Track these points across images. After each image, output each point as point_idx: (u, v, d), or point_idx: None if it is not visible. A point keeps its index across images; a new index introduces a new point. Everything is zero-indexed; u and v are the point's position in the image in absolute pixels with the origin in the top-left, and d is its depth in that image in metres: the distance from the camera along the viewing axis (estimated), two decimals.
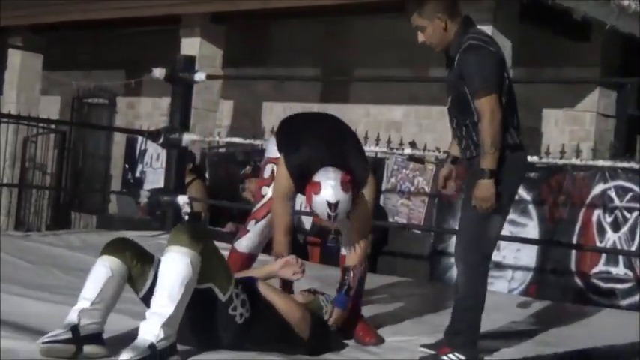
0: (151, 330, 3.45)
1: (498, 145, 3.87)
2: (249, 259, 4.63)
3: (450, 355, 3.95)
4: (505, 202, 4.02)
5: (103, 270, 3.65)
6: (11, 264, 5.56)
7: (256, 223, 4.59)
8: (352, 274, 4.32)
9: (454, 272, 7.52)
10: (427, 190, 8.17)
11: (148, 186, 10.33)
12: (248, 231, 4.62)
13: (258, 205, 4.62)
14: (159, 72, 7.15)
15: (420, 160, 8.23)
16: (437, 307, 5.25)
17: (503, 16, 8.29)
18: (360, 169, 4.28)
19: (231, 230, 8.41)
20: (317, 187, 4.08)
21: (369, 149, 8.16)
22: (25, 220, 12.84)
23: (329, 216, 4.10)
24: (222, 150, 10.44)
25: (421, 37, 4.09)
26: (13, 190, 12.51)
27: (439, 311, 5.03)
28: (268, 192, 4.53)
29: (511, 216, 7.36)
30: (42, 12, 12.55)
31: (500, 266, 7.46)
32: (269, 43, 11.56)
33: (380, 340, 4.38)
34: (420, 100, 10.08)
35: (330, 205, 4.08)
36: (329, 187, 4.08)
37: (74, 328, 3.50)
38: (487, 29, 8.15)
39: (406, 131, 10.05)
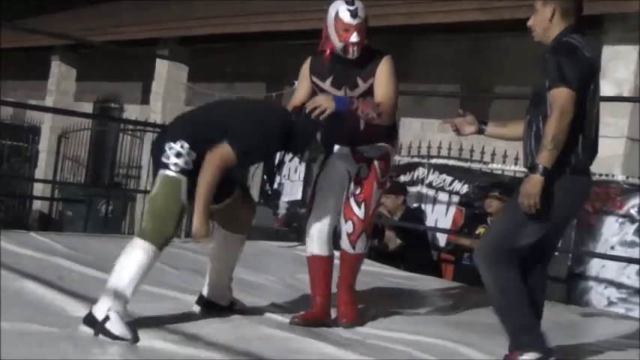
0: None
1: (560, 144, 3.69)
2: (311, 259, 4.78)
3: (521, 358, 3.84)
4: (551, 220, 3.81)
5: None
6: (157, 269, 5.74)
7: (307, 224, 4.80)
8: (366, 100, 4.39)
9: (592, 296, 7.41)
10: None
11: (286, 198, 10.48)
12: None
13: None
14: None
15: None
16: (573, 331, 5.16)
17: None
18: None
19: None
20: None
21: (509, 168, 8.11)
22: None
23: (349, 10, 4.38)
24: None
25: (530, 21, 4.00)
26: None
27: (574, 335, 4.94)
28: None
29: None
30: (190, 24, 12.96)
31: None
32: (410, 59, 11.58)
33: (354, 322, 4.54)
34: None
35: (347, 1, 4.44)
36: None
37: None
38: (633, 49, 8.02)
39: None
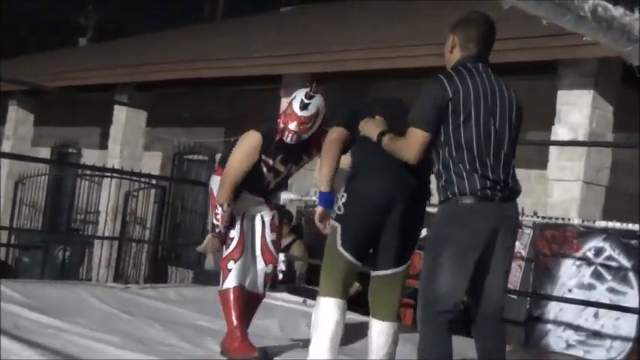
0: None
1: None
2: (239, 291, 4.86)
3: None
4: (452, 254, 3.72)
5: None
6: (112, 315, 5.69)
7: (236, 262, 4.87)
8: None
9: (550, 339, 7.43)
10: (524, 254, 8.06)
11: None
12: (230, 270, 4.85)
13: (231, 247, 4.87)
14: None
15: None
16: None
17: (604, 81, 8.21)
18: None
19: None
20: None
21: None
22: (123, 273, 13.08)
23: (302, 101, 4.57)
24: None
25: None
26: (113, 243, 12.78)
27: None
28: (235, 234, 4.88)
29: (610, 283, 7.23)
30: (148, 70, 12.96)
31: (598, 335, 7.29)
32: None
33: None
34: (517, 163, 10.00)
35: (306, 94, 4.62)
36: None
37: None
38: (587, 93, 8.14)
39: None
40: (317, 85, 4.71)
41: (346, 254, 4.14)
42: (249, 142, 4.81)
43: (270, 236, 5.01)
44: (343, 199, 4.17)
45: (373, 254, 4.29)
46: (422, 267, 3.86)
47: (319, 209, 4.22)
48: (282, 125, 4.68)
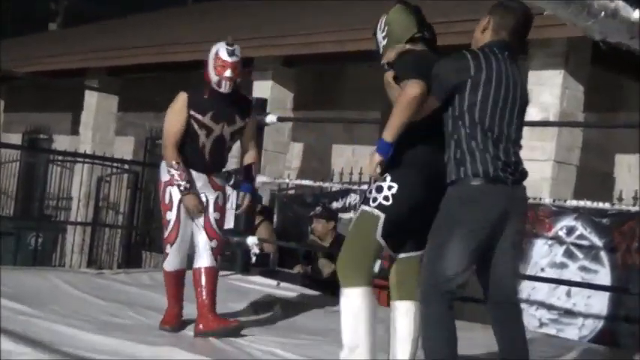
0: None
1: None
2: (179, 275, 5.21)
3: None
4: (463, 236, 3.71)
5: None
6: (84, 301, 5.67)
7: (172, 245, 5.13)
8: (254, 169, 5.38)
9: (524, 318, 7.47)
10: None
11: None
12: (168, 254, 5.16)
13: (168, 230, 5.09)
14: None
15: None
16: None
17: (574, 61, 8.25)
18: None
19: (299, 272, 8.45)
20: None
21: None
22: (97, 258, 13.03)
23: (227, 50, 4.98)
24: (291, 192, 10.51)
25: None
26: (86, 229, 12.73)
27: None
28: (172, 216, 5.07)
29: (582, 262, 7.29)
30: (119, 55, 12.88)
31: (570, 313, 7.36)
32: (339, 86, 11.65)
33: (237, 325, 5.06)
34: None
35: (227, 43, 5.03)
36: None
37: None
38: (558, 73, 8.17)
39: None
40: (232, 39, 5.09)
41: (384, 244, 4.03)
42: (176, 102, 5.19)
43: (213, 215, 5.16)
44: (392, 190, 3.95)
45: (403, 238, 4.16)
46: (428, 246, 3.84)
47: (377, 157, 3.86)
48: (216, 77, 5.01)
